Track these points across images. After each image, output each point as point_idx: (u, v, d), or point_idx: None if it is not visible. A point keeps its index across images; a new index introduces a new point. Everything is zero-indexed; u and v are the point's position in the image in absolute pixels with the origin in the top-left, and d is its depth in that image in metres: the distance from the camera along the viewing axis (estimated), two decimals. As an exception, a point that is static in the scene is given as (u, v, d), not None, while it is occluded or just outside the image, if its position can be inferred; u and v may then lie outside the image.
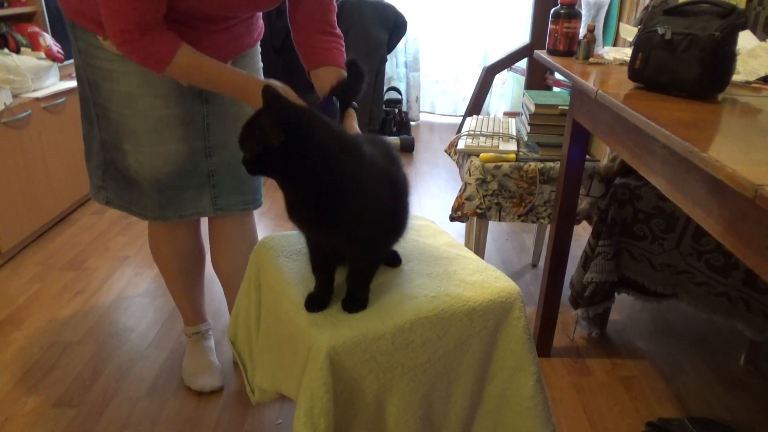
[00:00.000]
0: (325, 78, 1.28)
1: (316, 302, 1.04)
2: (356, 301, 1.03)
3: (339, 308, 1.03)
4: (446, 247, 1.25)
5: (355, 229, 0.95)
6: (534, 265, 2.30)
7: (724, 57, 1.10)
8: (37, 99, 2.34)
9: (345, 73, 1.27)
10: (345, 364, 0.96)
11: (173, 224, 1.45)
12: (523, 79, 3.81)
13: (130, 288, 2.08)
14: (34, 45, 2.49)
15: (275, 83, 1.18)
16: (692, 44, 1.11)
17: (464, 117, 3.97)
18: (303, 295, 1.06)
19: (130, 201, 1.42)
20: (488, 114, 4.34)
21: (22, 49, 2.47)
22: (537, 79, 3.63)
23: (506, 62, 3.87)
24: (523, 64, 3.79)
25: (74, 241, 2.41)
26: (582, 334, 1.87)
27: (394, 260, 1.17)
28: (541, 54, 1.64)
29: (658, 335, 1.88)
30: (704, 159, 0.77)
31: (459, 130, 3.99)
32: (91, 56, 1.25)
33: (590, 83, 1.24)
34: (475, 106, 3.93)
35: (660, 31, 1.14)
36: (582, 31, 1.60)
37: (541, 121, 1.85)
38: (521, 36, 4.07)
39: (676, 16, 1.17)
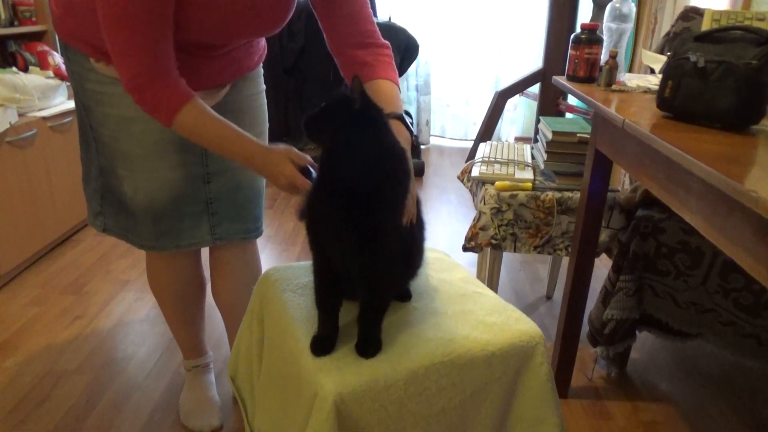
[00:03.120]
0: (373, 95, 1.19)
1: (322, 345, 0.96)
2: (371, 344, 0.95)
3: (346, 350, 0.95)
4: (461, 282, 1.17)
5: (383, 247, 0.89)
6: (549, 297, 2.21)
7: (761, 86, 1.03)
8: (44, 118, 2.31)
9: (391, 86, 1.15)
10: (352, 413, 0.88)
11: (171, 253, 1.39)
12: (535, 104, 3.76)
13: (130, 313, 2.01)
14: (43, 64, 2.46)
15: (281, 147, 1.10)
16: (727, 73, 1.04)
17: (476, 142, 3.91)
18: (309, 335, 0.99)
19: (126, 228, 1.36)
20: (499, 139, 4.29)
21: (31, 68, 2.44)
22: (549, 104, 3.58)
23: (518, 87, 3.83)
24: (535, 89, 3.75)
25: (76, 263, 2.35)
26: (601, 373, 1.78)
27: (404, 295, 1.10)
28: (560, 80, 1.58)
29: (681, 376, 1.78)
30: (754, 199, 0.69)
31: (470, 155, 3.95)
32: (83, 79, 1.21)
33: (616, 112, 1.18)
34: (487, 131, 3.88)
35: (692, 58, 1.08)
36: (603, 57, 1.54)
37: (558, 148, 1.79)
38: (533, 60, 4.04)
39: (708, 42, 1.11)
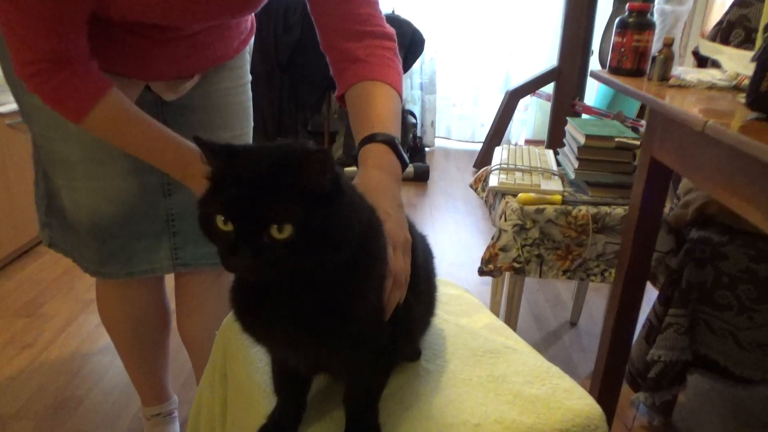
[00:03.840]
0: (360, 104, 0.85)
1: None
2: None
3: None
4: (487, 332, 0.90)
5: (361, 335, 0.61)
6: (573, 324, 1.94)
7: None
8: (1, 115, 2.03)
9: (386, 93, 0.85)
10: None
11: (124, 282, 1.11)
12: (548, 105, 3.49)
13: (89, 342, 1.73)
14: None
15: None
16: None
17: (484, 145, 3.64)
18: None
19: (71, 246, 1.10)
20: (509, 142, 4.01)
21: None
22: (564, 105, 3.31)
23: (531, 86, 3.56)
24: (548, 89, 3.48)
25: (35, 279, 2.08)
26: (642, 421, 1.50)
27: (410, 353, 0.82)
28: (602, 74, 1.31)
29: (737, 427, 1.50)
30: None
31: (479, 159, 3.68)
32: (7, 60, 0.93)
33: (691, 111, 0.90)
34: (497, 133, 3.61)
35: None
36: (655, 46, 1.27)
37: (592, 155, 1.51)
38: (547, 58, 3.76)
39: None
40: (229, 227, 0.53)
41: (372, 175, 0.77)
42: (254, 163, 0.55)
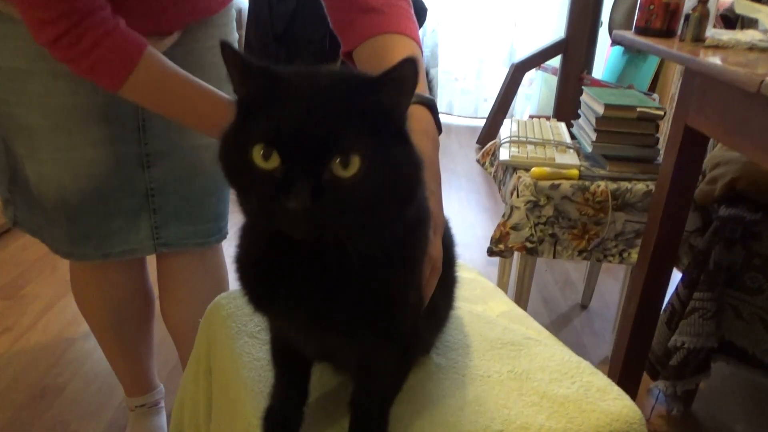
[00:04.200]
0: (380, 62, 0.73)
1: (277, 425, 0.59)
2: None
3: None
4: (506, 321, 0.79)
5: (389, 332, 0.51)
6: (584, 307, 1.84)
7: None
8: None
9: (410, 47, 0.74)
10: None
11: (100, 264, 1.00)
12: (553, 79, 3.36)
13: (72, 326, 1.63)
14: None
15: None
16: None
17: (488, 120, 3.51)
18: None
19: (38, 225, 0.99)
20: (513, 117, 3.87)
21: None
22: (572, 78, 3.18)
23: (537, 59, 3.42)
24: (554, 62, 3.34)
25: (17, 259, 1.97)
26: (660, 410, 1.41)
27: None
28: (628, 35, 1.18)
29: (761, 417, 1.42)
30: None
31: (483, 135, 3.55)
32: None
33: (742, 70, 0.79)
34: (501, 108, 3.48)
35: None
36: (688, 3, 1.14)
37: (611, 126, 1.40)
38: (554, 29, 3.61)
39: None
40: (274, 162, 0.41)
41: (418, 141, 0.66)
42: (310, 80, 0.43)
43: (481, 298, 0.85)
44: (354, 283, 0.47)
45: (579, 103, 1.57)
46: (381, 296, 0.48)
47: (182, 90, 0.79)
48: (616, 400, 0.65)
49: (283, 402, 0.60)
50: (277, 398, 0.61)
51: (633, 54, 2.97)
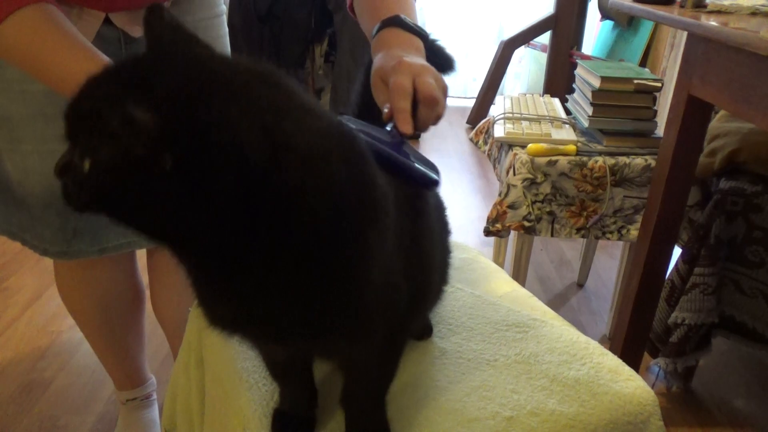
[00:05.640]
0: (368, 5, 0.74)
1: (288, 427, 0.56)
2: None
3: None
4: (509, 303, 0.76)
5: (367, 320, 0.47)
6: (580, 286, 1.82)
7: None
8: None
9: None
10: None
11: (92, 260, 0.95)
12: (543, 56, 3.31)
13: (58, 319, 1.58)
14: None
15: None
16: None
17: (478, 99, 3.46)
18: (263, 407, 0.58)
19: (20, 227, 0.92)
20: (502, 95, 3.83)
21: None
22: (561, 55, 3.13)
23: (527, 35, 3.37)
24: (543, 38, 3.29)
25: (-1, 251, 1.91)
26: (660, 387, 1.40)
27: (420, 330, 0.69)
28: (626, 3, 1.14)
29: (760, 392, 1.41)
30: None
31: (473, 114, 3.50)
32: None
33: (751, 33, 0.75)
34: (491, 86, 3.43)
35: None
36: (688, -32, 1.10)
37: (607, 100, 1.36)
38: (543, 5, 3.55)
39: None
40: None
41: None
42: None
43: (482, 278, 0.82)
44: (296, 282, 0.42)
45: (569, 79, 1.53)
46: (326, 290, 0.43)
47: (64, 48, 0.66)
48: (628, 381, 0.62)
49: (293, 402, 0.57)
50: (285, 400, 0.57)
51: (623, 29, 2.93)
